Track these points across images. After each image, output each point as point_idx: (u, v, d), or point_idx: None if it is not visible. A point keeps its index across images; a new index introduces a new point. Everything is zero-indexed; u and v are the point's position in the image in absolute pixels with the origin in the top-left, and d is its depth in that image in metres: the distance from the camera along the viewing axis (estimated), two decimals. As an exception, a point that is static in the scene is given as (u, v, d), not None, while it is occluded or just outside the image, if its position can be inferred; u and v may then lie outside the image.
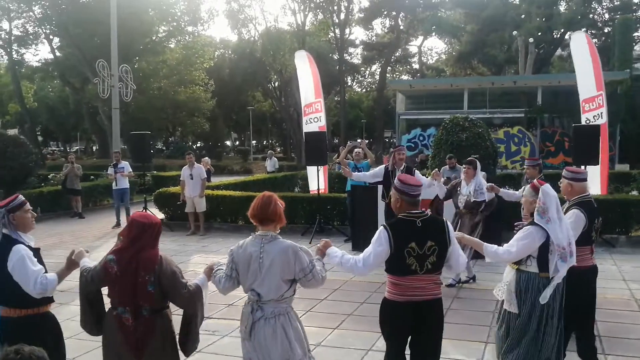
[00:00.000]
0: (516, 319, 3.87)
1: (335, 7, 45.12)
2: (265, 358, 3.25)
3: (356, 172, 8.87)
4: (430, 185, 7.23)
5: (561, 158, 24.22)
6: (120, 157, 13.76)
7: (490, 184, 7.12)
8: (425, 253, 3.41)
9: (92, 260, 3.50)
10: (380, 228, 3.52)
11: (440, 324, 3.58)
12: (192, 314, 3.29)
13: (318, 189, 11.77)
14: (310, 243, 10.28)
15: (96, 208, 16.54)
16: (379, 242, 3.46)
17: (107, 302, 3.38)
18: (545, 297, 3.74)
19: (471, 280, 7.45)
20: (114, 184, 13.12)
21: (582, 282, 4.27)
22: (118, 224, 12.96)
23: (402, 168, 7.99)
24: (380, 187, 8.76)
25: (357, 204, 9.94)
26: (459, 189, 7.32)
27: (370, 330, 5.65)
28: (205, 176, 12.12)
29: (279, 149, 66.53)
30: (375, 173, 8.42)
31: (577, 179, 4.48)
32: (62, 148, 65.86)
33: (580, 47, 12.75)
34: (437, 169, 8.55)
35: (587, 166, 9.57)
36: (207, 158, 18.81)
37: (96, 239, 11.73)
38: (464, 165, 7.32)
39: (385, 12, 49.43)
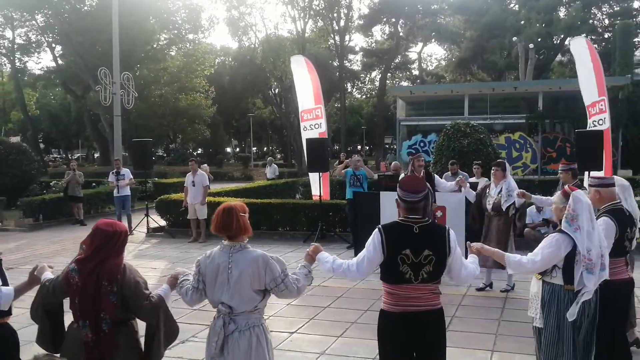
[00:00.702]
0: (543, 335, 3.70)
1: (335, 14, 45.22)
2: None
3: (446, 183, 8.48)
4: (452, 190, 7.26)
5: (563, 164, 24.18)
6: (120, 164, 13.77)
7: (521, 189, 7.01)
8: (420, 262, 3.16)
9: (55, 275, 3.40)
10: (375, 231, 3.30)
11: (441, 338, 3.31)
12: (155, 326, 3.11)
13: (320, 196, 11.74)
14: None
15: (98, 215, 16.51)
16: (373, 245, 3.24)
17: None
18: (572, 313, 3.54)
19: (511, 289, 7.24)
20: (115, 191, 13.13)
21: (617, 296, 4.01)
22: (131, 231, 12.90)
23: (422, 174, 7.96)
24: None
25: (360, 211, 9.91)
26: (487, 190, 7.26)
27: (375, 339, 5.61)
28: (208, 184, 12.04)
29: (279, 156, 66.56)
30: (452, 185, 8.28)
31: (605, 184, 4.27)
32: (63, 155, 65.91)
33: (581, 51, 12.74)
34: (461, 176, 8.50)
35: (591, 172, 9.55)
36: (205, 165, 18.67)
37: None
38: (492, 167, 7.26)
39: (384, 19, 49.55)
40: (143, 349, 3.20)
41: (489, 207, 7.16)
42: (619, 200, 4.29)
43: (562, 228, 3.60)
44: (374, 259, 3.24)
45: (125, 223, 12.76)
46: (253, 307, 3.14)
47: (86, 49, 32.57)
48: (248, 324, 3.12)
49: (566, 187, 3.83)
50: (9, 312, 3.39)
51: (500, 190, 7.06)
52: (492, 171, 7.25)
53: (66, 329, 3.23)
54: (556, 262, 3.59)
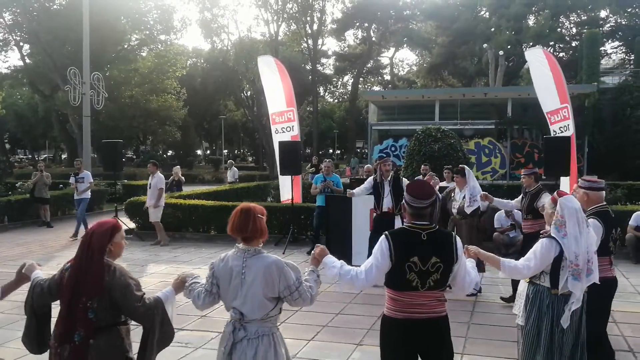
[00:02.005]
0: (524, 331, 3.82)
1: (308, 18, 45.33)
2: None
3: (355, 190, 8.51)
4: None
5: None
6: (82, 165, 13.61)
7: (484, 192, 7.19)
8: (428, 270, 3.10)
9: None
10: (382, 237, 3.20)
11: (446, 345, 3.22)
12: (149, 329, 2.97)
13: (292, 199, 11.72)
14: (283, 253, 10.20)
15: (65, 217, 16.18)
16: (380, 252, 3.14)
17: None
18: (565, 320, 3.62)
19: (478, 292, 7.29)
20: (75, 193, 13.03)
21: (599, 292, 4.09)
22: (76, 235, 12.54)
23: (389, 179, 8.04)
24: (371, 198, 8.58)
25: (333, 215, 9.92)
26: (452, 194, 7.45)
27: (346, 342, 5.62)
28: (162, 186, 11.62)
29: (250, 159, 66.30)
30: (367, 187, 8.32)
31: (594, 188, 4.41)
32: (30, 156, 64.41)
33: (538, 61, 13.07)
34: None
35: (560, 177, 9.74)
36: (177, 167, 18.38)
37: (64, 248, 11.44)
38: (454, 175, 7.45)
39: (357, 24, 49.86)
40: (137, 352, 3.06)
41: (454, 211, 7.33)
42: (605, 203, 4.45)
43: (551, 233, 3.68)
44: (382, 266, 3.15)
45: (79, 226, 12.59)
46: (265, 315, 3.03)
47: (55, 48, 31.91)
48: (258, 332, 3.02)
49: (555, 193, 3.88)
50: None
51: (464, 195, 7.24)
52: (454, 178, 7.44)
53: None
54: (544, 266, 3.66)
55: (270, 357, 3.01)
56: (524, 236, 7.16)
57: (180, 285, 3.19)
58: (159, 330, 3.00)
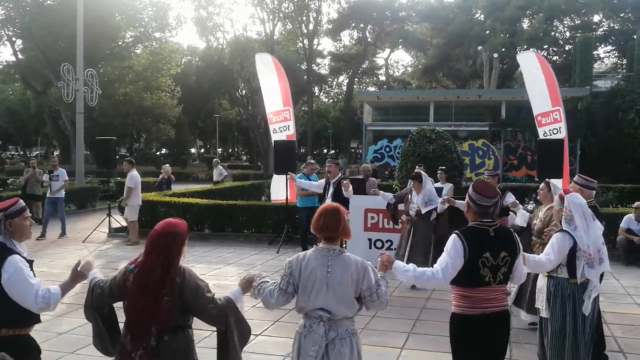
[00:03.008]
0: (550, 323, 4.05)
1: (304, 18, 45.29)
2: None
3: (305, 181, 9.17)
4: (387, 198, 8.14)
5: (524, 171, 24.78)
6: (57, 163, 13.20)
7: (446, 196, 7.72)
8: (498, 264, 3.30)
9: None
10: (454, 236, 3.35)
11: (509, 335, 3.51)
12: (224, 330, 2.91)
13: (287, 199, 11.70)
14: (277, 252, 10.20)
15: (56, 213, 16.06)
16: (455, 251, 3.29)
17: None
18: (587, 308, 3.93)
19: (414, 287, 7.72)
20: (48, 191, 12.56)
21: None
22: (43, 235, 12.16)
23: (335, 180, 8.54)
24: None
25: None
26: (409, 196, 7.84)
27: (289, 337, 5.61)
28: (131, 185, 11.44)
29: (245, 158, 66.19)
30: (320, 184, 8.92)
31: (588, 186, 4.88)
32: (21, 152, 63.99)
33: (530, 65, 13.16)
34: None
35: (551, 179, 9.77)
36: (167, 165, 18.23)
37: (57, 246, 11.39)
38: (411, 179, 7.89)
39: (353, 24, 49.89)
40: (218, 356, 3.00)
41: (412, 212, 7.74)
42: (593, 199, 4.91)
43: (563, 227, 4.00)
44: (457, 264, 3.28)
45: (56, 228, 12.28)
46: (352, 314, 3.07)
47: (48, 43, 31.73)
48: (348, 331, 3.06)
49: (561, 191, 4.25)
50: (34, 320, 3.11)
51: (420, 198, 7.65)
52: (412, 183, 7.83)
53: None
54: (562, 258, 3.96)
55: (360, 353, 3.10)
56: None
57: (247, 285, 3.16)
58: (237, 329, 2.96)
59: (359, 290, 3.03)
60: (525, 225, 6.09)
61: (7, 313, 2.96)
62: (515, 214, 6.43)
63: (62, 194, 12.57)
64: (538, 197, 6.17)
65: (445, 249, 3.37)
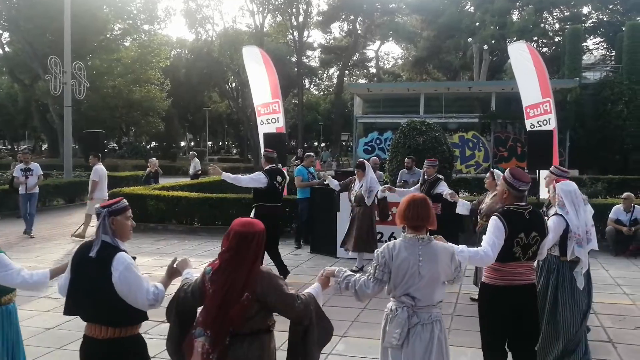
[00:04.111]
0: (537, 290, 4.33)
1: (294, 10, 45.08)
2: None
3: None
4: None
5: (514, 163, 24.88)
6: (29, 157, 12.25)
7: (387, 185, 8.43)
8: (529, 243, 3.70)
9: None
10: (495, 218, 3.72)
11: (537, 306, 3.95)
12: (307, 326, 2.86)
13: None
14: (340, 247, 10.16)
15: (45, 208, 15.95)
16: (499, 230, 3.65)
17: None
18: (580, 282, 4.48)
19: (359, 270, 8.09)
20: (21, 188, 11.56)
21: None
22: (28, 233, 11.60)
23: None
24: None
25: (319, 207, 9.90)
26: (352, 185, 8.45)
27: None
28: (95, 179, 11.25)
29: (235, 151, 65.98)
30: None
31: (564, 176, 5.20)
32: (9, 146, 63.36)
33: (521, 56, 13.14)
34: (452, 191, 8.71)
35: (541, 170, 9.82)
36: (154, 159, 18.02)
37: (46, 240, 11.29)
38: (355, 168, 8.47)
39: (343, 16, 49.73)
40: (290, 354, 2.93)
41: (352, 198, 8.35)
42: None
43: (557, 212, 4.45)
44: (501, 242, 3.64)
45: (26, 223, 11.71)
46: (437, 301, 3.19)
47: (35, 36, 31.37)
48: (431, 317, 3.16)
49: (553, 181, 4.77)
50: (142, 318, 3.04)
51: (362, 186, 8.16)
52: (355, 171, 8.41)
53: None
54: (557, 238, 4.38)
55: (442, 342, 3.17)
56: None
57: (326, 281, 3.18)
58: (318, 326, 2.91)
59: (449, 274, 3.20)
60: (468, 213, 6.84)
61: (117, 311, 2.91)
62: (456, 204, 6.92)
63: (37, 189, 11.95)
64: (485, 185, 6.80)
65: (488, 230, 3.72)
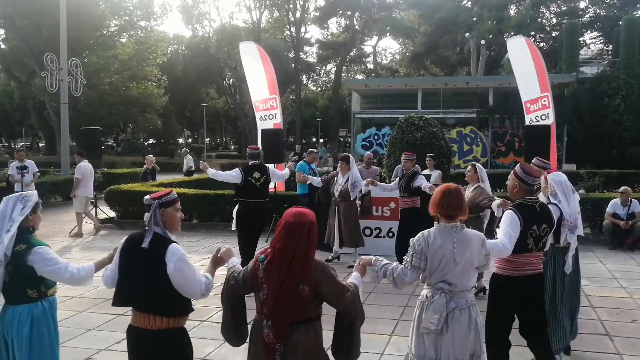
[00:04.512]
0: None
1: (291, 5, 45.01)
2: (457, 351, 3.22)
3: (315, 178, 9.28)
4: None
5: (511, 158, 24.90)
6: (24, 155, 11.93)
7: (370, 179, 8.35)
8: (540, 234, 3.90)
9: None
10: (510, 212, 3.86)
11: (544, 293, 4.24)
12: (353, 316, 2.92)
13: (275, 187, 11.66)
14: (266, 242, 10.16)
15: (42, 206, 15.88)
16: (515, 223, 3.79)
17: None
18: (568, 266, 4.72)
19: (337, 260, 8.46)
20: (17, 186, 11.14)
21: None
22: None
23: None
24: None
25: (315, 203, 9.90)
26: (335, 179, 8.47)
27: (330, 330, 5.62)
28: (78, 176, 11.22)
29: (233, 147, 65.91)
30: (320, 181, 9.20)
31: (545, 167, 5.44)
32: (6, 144, 63.22)
33: (520, 50, 13.10)
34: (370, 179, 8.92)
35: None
36: (151, 156, 17.97)
37: (44, 238, 11.22)
38: (339, 161, 8.53)
39: (340, 12, 49.60)
40: (334, 347, 3.01)
41: (336, 193, 8.31)
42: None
43: (552, 201, 4.65)
44: (517, 234, 3.80)
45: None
46: (471, 286, 3.33)
47: (31, 33, 31.25)
48: (467, 302, 3.29)
49: (546, 172, 4.94)
50: (190, 309, 3.08)
51: (347, 180, 8.21)
52: (339, 164, 8.47)
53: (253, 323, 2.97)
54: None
55: (479, 325, 3.32)
56: (402, 210, 8.19)
57: (364, 270, 3.27)
58: (361, 316, 2.98)
59: (479, 261, 3.33)
60: None
61: (171, 302, 2.95)
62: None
63: (33, 186, 11.57)
64: (466, 178, 7.01)
65: (504, 223, 3.85)
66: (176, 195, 3.15)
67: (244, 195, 7.55)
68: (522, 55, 12.98)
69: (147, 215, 3.03)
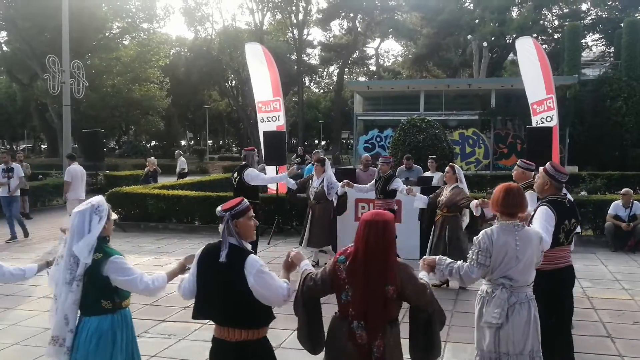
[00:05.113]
0: None
1: (294, 8, 45.08)
2: (516, 344, 3.36)
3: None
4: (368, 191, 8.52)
5: (514, 160, 24.81)
6: (9, 158, 11.56)
7: (345, 180, 8.41)
8: (570, 229, 4.10)
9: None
10: (545, 207, 4.01)
11: (574, 285, 4.37)
12: (431, 312, 2.96)
13: (277, 190, 11.66)
14: (268, 244, 10.17)
15: (44, 208, 15.97)
16: (551, 218, 3.95)
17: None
18: None
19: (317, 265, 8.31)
20: (2, 190, 10.92)
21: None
22: (14, 237, 10.91)
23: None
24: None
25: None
26: (310, 182, 8.59)
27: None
28: (68, 179, 11.26)
29: (235, 149, 65.97)
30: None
31: (529, 169, 5.69)
32: (8, 146, 63.38)
33: (527, 51, 13.06)
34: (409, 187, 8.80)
35: (540, 167, 9.80)
36: (152, 158, 17.99)
37: (44, 240, 11.30)
38: (314, 163, 8.60)
39: (343, 14, 49.69)
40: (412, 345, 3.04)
41: (312, 196, 8.40)
42: (531, 179, 5.65)
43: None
44: (553, 229, 3.95)
45: (11, 228, 11.06)
46: (531, 282, 3.46)
47: (33, 35, 31.35)
48: (527, 296, 3.44)
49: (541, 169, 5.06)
50: (271, 318, 3.01)
51: (322, 182, 8.32)
52: (314, 166, 8.58)
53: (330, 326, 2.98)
54: None
55: (537, 319, 3.46)
56: None
57: (430, 269, 3.43)
58: (440, 314, 3.03)
59: (537, 258, 3.49)
60: (425, 206, 7.32)
61: (247, 315, 2.92)
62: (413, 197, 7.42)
63: (18, 192, 11.36)
64: (444, 179, 7.28)
65: (540, 219, 3.96)
66: (248, 203, 3.08)
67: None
68: (529, 56, 12.95)
69: (220, 227, 2.98)
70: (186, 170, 19.29)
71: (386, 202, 8.07)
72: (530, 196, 5.29)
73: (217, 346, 2.97)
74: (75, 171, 11.40)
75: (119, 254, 3.23)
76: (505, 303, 3.37)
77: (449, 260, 3.52)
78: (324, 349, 3.03)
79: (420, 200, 7.29)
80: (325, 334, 3.03)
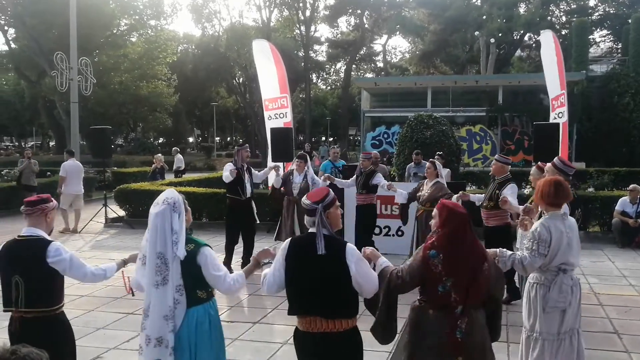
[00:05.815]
0: None
1: (301, 4, 45.02)
2: (575, 322, 3.75)
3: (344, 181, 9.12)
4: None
5: (521, 156, 24.80)
6: None
7: (326, 174, 8.62)
8: (578, 218, 4.37)
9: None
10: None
11: None
12: (499, 299, 3.30)
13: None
14: (275, 240, 10.21)
15: (54, 205, 16.05)
16: (565, 209, 4.08)
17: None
18: None
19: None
20: None
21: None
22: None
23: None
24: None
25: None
26: (291, 177, 8.53)
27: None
28: (63, 174, 11.69)
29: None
30: (351, 181, 9.02)
31: (507, 163, 6.36)
32: (16, 143, 63.78)
33: (549, 45, 12.97)
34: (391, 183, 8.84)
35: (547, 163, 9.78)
36: (159, 155, 18.03)
37: (52, 236, 11.36)
38: (296, 159, 8.56)
39: (350, 10, 49.55)
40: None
41: (295, 192, 8.31)
42: (508, 173, 6.27)
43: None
44: None
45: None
46: (578, 265, 3.86)
47: (41, 32, 31.45)
48: (576, 277, 3.82)
49: (539, 162, 5.50)
50: (358, 307, 3.04)
51: (305, 178, 8.31)
52: (296, 162, 8.54)
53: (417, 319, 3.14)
54: None
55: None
56: (358, 207, 8.31)
57: (493, 255, 3.56)
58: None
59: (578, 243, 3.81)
60: (405, 202, 7.52)
61: (348, 305, 2.95)
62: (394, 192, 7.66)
63: None
64: (425, 174, 7.46)
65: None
66: (334, 194, 3.12)
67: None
68: (549, 51, 12.87)
69: (308, 220, 3.03)
70: (182, 168, 19.30)
71: (368, 197, 8.22)
72: (512, 189, 6.01)
73: (320, 340, 2.92)
74: (71, 167, 11.77)
75: (207, 244, 3.21)
76: (568, 287, 3.68)
77: (509, 252, 3.70)
78: (405, 343, 3.15)
79: (401, 196, 7.52)
80: (405, 327, 3.20)
